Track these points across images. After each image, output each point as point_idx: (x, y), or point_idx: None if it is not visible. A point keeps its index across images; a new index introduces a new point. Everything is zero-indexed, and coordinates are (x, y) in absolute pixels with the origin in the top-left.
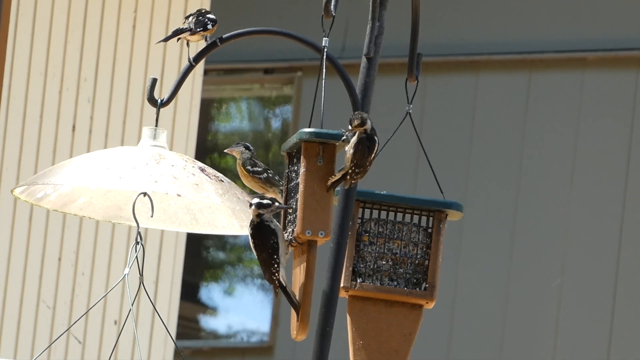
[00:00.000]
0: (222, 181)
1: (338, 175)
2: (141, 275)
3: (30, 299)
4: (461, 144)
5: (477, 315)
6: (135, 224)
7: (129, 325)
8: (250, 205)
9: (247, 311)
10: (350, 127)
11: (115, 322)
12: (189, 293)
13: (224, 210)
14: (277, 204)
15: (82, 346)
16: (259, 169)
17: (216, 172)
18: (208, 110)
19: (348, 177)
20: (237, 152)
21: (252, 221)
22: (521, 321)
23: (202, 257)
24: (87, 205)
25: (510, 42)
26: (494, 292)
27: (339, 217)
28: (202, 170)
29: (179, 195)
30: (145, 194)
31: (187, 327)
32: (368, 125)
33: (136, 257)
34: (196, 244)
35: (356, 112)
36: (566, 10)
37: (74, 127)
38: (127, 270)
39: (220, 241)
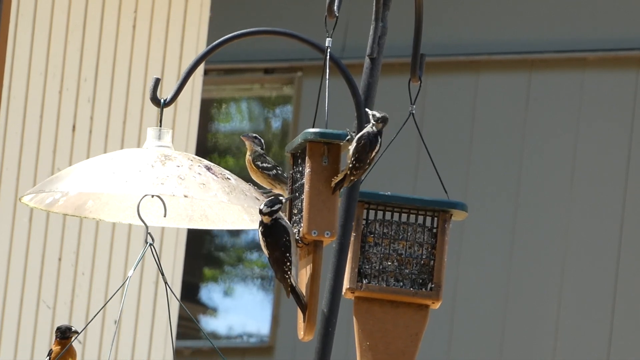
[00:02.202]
0: (229, 179)
1: (340, 176)
2: (163, 275)
3: (31, 299)
4: (461, 144)
5: (477, 315)
6: (147, 227)
7: (129, 326)
8: (261, 212)
9: (247, 311)
10: (372, 116)
11: (116, 322)
12: (189, 293)
13: (233, 205)
14: (282, 198)
15: (82, 346)
16: (269, 166)
17: (222, 169)
18: (208, 110)
19: (348, 172)
20: (250, 145)
21: (262, 221)
22: (521, 321)
23: (202, 257)
24: (97, 208)
25: (510, 42)
26: (494, 292)
27: (342, 217)
28: (209, 169)
29: (185, 196)
30: (153, 195)
31: (187, 327)
32: (380, 127)
33: (141, 258)
34: (196, 244)
35: (384, 113)
36: (566, 10)
37: (74, 127)
38: (130, 273)
39: (221, 241)
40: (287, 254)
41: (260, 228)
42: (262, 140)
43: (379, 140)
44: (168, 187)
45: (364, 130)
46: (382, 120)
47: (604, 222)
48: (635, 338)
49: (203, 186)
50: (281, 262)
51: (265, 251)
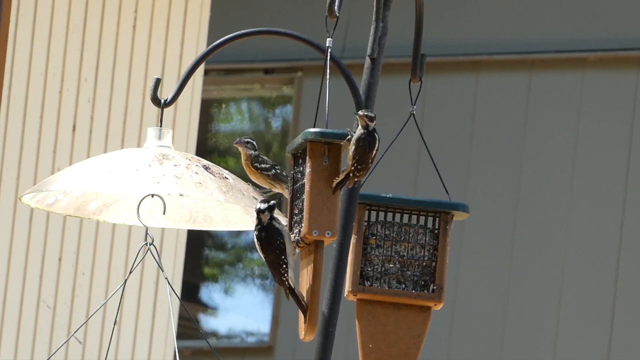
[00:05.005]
0: (227, 178)
1: (342, 176)
2: (163, 271)
3: (31, 299)
4: (461, 144)
5: (477, 315)
6: (146, 227)
7: (129, 325)
8: (260, 211)
9: (247, 311)
10: (358, 114)
11: (116, 322)
12: (189, 293)
13: (236, 206)
14: (273, 202)
15: (82, 346)
16: (267, 166)
17: (221, 169)
18: (208, 110)
19: (351, 174)
20: (243, 150)
21: (257, 223)
22: (521, 321)
23: (202, 257)
24: (100, 209)
25: (510, 42)
26: (494, 292)
27: (342, 217)
28: (206, 168)
29: (181, 195)
30: (153, 195)
31: (187, 327)
32: (371, 125)
33: (140, 258)
34: (196, 244)
35: (369, 109)
36: (566, 10)
37: (74, 127)
38: (127, 276)
39: (220, 241)
40: (282, 257)
41: (255, 232)
42: (255, 143)
43: (377, 138)
44: (164, 185)
45: (358, 132)
46: (370, 118)
47: (604, 222)
48: (635, 338)
49: (199, 185)
50: (277, 265)
51: (261, 254)
